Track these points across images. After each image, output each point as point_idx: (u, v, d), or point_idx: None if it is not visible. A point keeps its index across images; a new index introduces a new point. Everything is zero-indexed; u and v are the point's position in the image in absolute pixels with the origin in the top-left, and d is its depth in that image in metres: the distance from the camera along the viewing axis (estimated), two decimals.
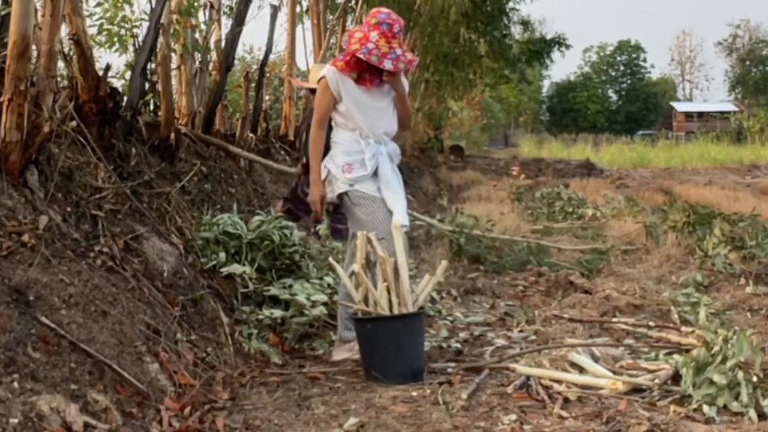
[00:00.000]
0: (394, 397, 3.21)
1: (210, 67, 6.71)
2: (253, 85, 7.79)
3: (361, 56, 3.69)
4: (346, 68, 3.80)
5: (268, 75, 8.68)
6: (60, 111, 3.56)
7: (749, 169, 23.61)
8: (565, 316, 4.61)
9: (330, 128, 3.94)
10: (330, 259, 4.04)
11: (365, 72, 3.80)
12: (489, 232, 7.04)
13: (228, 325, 3.86)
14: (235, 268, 4.14)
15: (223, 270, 4.16)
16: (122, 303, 3.22)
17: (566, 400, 3.15)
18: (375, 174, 3.81)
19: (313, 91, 5.58)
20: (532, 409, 3.09)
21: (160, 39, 4.98)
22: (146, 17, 4.97)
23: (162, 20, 4.89)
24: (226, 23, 7.33)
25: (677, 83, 75.16)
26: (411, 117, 4.21)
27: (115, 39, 5.04)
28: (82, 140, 3.79)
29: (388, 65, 3.69)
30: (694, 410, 2.97)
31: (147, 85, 5.03)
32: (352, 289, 3.53)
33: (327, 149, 4.08)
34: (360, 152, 3.82)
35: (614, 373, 3.43)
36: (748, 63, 66.80)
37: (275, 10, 8.25)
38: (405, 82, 3.96)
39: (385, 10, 3.89)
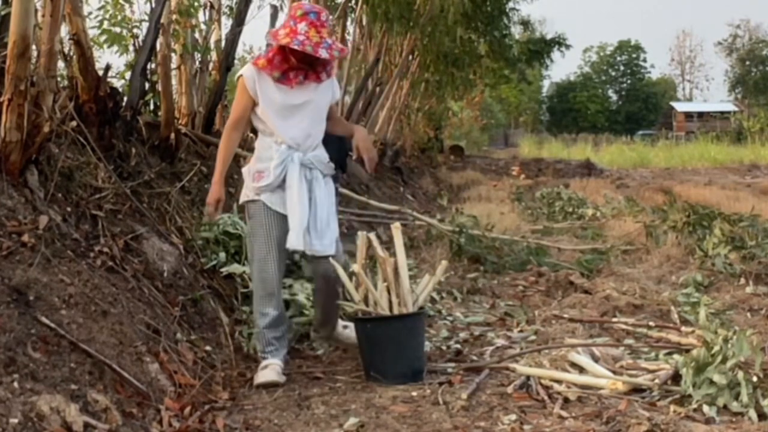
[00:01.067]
0: (394, 397, 3.21)
1: (210, 67, 6.71)
2: None
3: (295, 47, 3.37)
4: (267, 66, 3.48)
5: None
6: (60, 111, 3.56)
7: (749, 169, 23.59)
8: (565, 316, 4.61)
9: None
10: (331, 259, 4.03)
11: (290, 70, 3.48)
12: (489, 232, 7.03)
13: (228, 325, 3.86)
14: (235, 268, 4.14)
15: (223, 270, 4.16)
16: (122, 303, 3.22)
17: (566, 400, 3.15)
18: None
19: None
20: (532, 409, 3.09)
21: (160, 39, 4.99)
22: (146, 17, 4.97)
23: (162, 20, 4.89)
24: (226, 23, 7.32)
25: (677, 83, 75.17)
26: (344, 123, 3.99)
27: (115, 39, 5.05)
28: (82, 140, 3.79)
29: (323, 53, 3.40)
30: (694, 410, 2.97)
31: (147, 85, 5.03)
32: (352, 288, 3.51)
33: None
34: (271, 159, 3.49)
35: (614, 373, 3.43)
36: (748, 63, 66.78)
37: (275, 10, 8.24)
38: (336, 87, 3.73)
39: (306, 2, 3.75)
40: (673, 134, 49.43)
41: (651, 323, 4.40)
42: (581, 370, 3.49)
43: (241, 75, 3.53)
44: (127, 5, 5.10)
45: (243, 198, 3.60)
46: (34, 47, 3.28)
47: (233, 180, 6.36)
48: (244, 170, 3.64)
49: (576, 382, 3.32)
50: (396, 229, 3.69)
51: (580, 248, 7.29)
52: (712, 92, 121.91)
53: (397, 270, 3.52)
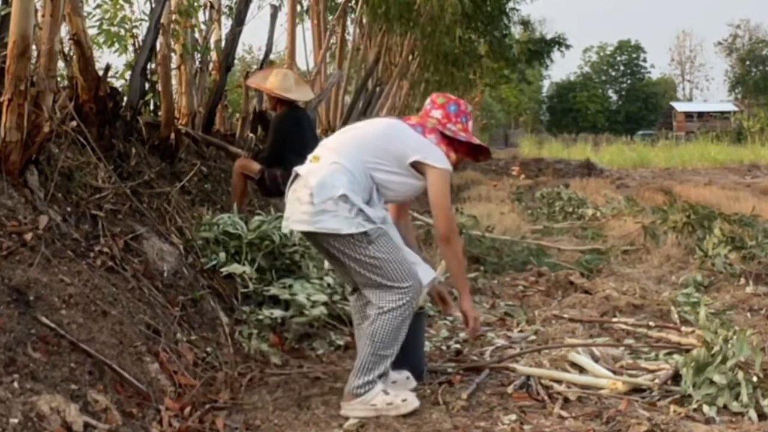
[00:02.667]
0: None
1: (210, 67, 6.72)
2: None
3: (480, 143, 3.41)
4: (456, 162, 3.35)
5: None
6: (60, 111, 3.56)
7: (749, 169, 23.60)
8: (565, 316, 4.61)
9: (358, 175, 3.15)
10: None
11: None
12: (489, 233, 7.02)
13: (228, 325, 3.86)
14: (235, 268, 4.14)
15: (223, 270, 4.16)
16: (122, 303, 3.22)
17: (566, 400, 3.15)
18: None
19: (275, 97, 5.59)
20: (532, 409, 3.09)
21: (160, 39, 4.99)
22: (146, 17, 4.97)
23: (162, 20, 4.89)
24: (226, 23, 7.33)
25: (677, 83, 75.19)
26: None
27: (115, 39, 5.05)
28: (82, 140, 3.79)
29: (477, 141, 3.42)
30: (694, 410, 2.97)
31: (147, 85, 5.03)
32: None
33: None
34: (383, 218, 3.15)
35: (614, 373, 3.43)
36: (748, 63, 66.80)
37: (275, 10, 8.26)
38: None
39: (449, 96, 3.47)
40: (673, 134, 49.42)
41: (651, 323, 4.40)
42: (581, 370, 3.49)
43: (445, 169, 3.18)
44: (126, 5, 5.11)
45: (356, 228, 3.00)
46: (34, 47, 3.27)
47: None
48: (337, 203, 3.02)
49: (576, 382, 3.32)
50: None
51: (580, 248, 7.29)
52: (712, 92, 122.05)
53: None
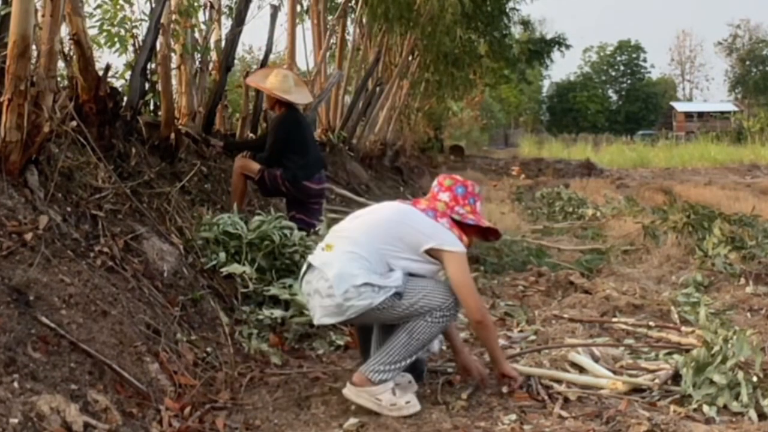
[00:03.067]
0: None
1: (210, 67, 6.71)
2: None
3: (489, 224, 3.38)
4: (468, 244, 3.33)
5: None
6: (60, 111, 3.56)
7: (749, 169, 23.58)
8: (565, 316, 4.61)
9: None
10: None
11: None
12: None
13: (228, 325, 3.86)
14: (235, 268, 4.14)
15: (223, 270, 4.16)
16: (122, 303, 3.22)
17: (566, 400, 3.16)
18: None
19: (273, 98, 5.59)
20: (532, 409, 3.09)
21: (160, 39, 4.98)
22: (146, 17, 4.97)
23: (162, 20, 4.89)
24: (226, 23, 7.32)
25: (677, 83, 75.22)
26: None
27: (115, 39, 5.05)
28: (82, 140, 3.79)
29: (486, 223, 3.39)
30: (694, 410, 2.97)
31: (147, 85, 5.03)
32: None
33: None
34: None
35: (614, 373, 3.43)
36: (748, 63, 66.82)
37: (275, 10, 8.24)
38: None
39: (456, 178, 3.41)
40: (673, 134, 49.43)
41: (651, 323, 4.40)
42: (581, 370, 3.49)
43: (462, 251, 3.18)
44: (126, 5, 5.11)
45: (385, 294, 3.05)
46: (34, 47, 3.27)
47: None
48: (359, 290, 3.04)
49: (576, 382, 3.32)
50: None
51: (580, 248, 7.29)
52: (712, 92, 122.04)
53: None
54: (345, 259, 3.05)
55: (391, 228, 3.15)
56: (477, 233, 3.39)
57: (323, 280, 3.05)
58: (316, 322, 3.17)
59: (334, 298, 3.01)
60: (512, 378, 3.27)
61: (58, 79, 3.71)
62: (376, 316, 3.10)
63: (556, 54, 23.53)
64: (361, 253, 3.07)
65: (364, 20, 13.53)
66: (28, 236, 3.04)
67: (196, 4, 5.81)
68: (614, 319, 4.53)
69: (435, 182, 3.40)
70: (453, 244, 3.16)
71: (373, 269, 3.05)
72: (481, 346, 3.69)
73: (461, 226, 3.25)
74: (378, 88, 14.17)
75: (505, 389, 3.21)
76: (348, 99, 13.35)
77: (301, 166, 5.52)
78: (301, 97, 5.80)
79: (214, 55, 6.73)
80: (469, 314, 3.26)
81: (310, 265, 3.16)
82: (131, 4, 5.14)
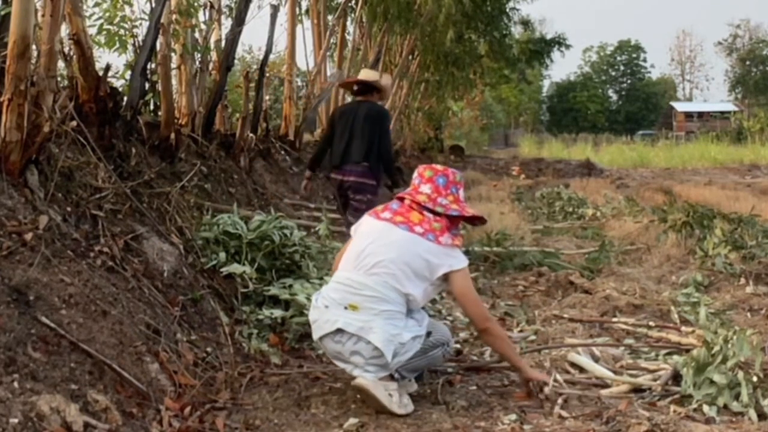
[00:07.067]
0: None
1: (210, 67, 6.71)
2: (252, 85, 7.79)
3: (483, 216, 3.43)
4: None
5: (268, 75, 8.68)
6: (60, 111, 3.56)
7: (749, 169, 23.58)
8: (565, 316, 4.61)
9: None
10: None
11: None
12: (494, 246, 6.88)
13: (228, 325, 3.86)
14: (235, 268, 4.14)
15: (223, 270, 4.16)
16: (122, 303, 3.22)
17: (566, 400, 3.15)
18: None
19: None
20: (532, 409, 3.09)
21: (160, 39, 4.98)
22: (146, 17, 4.97)
23: (162, 20, 4.89)
24: (226, 23, 7.33)
25: (677, 83, 75.25)
26: None
27: (115, 39, 5.04)
28: (82, 140, 3.79)
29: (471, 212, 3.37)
30: (694, 410, 2.97)
31: (147, 85, 5.03)
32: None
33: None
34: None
35: (614, 373, 3.43)
36: (748, 63, 66.85)
37: (275, 10, 8.25)
38: None
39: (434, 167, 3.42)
40: (673, 134, 49.45)
41: (651, 323, 4.40)
42: (581, 370, 3.49)
43: (466, 265, 3.24)
44: (126, 5, 5.10)
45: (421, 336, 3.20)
46: (34, 47, 3.27)
47: (233, 180, 6.35)
48: (404, 344, 3.14)
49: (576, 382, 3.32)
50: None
51: (581, 251, 7.27)
52: (712, 92, 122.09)
53: None
54: (383, 320, 3.07)
55: (406, 267, 3.14)
56: (463, 220, 3.38)
57: (366, 345, 3.05)
58: (356, 374, 3.11)
59: (381, 358, 3.04)
60: (540, 381, 3.22)
61: (58, 79, 3.71)
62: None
63: (556, 54, 23.50)
64: (393, 308, 3.10)
65: (364, 20, 13.53)
66: (28, 236, 3.04)
67: (196, 4, 5.80)
68: (614, 319, 4.54)
69: (415, 174, 3.37)
70: (459, 262, 3.19)
71: (406, 315, 3.15)
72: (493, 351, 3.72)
73: (449, 217, 3.24)
74: None
75: (541, 396, 3.16)
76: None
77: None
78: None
79: (214, 55, 6.73)
80: (474, 324, 3.30)
81: (338, 330, 3.08)
82: (131, 4, 5.14)
